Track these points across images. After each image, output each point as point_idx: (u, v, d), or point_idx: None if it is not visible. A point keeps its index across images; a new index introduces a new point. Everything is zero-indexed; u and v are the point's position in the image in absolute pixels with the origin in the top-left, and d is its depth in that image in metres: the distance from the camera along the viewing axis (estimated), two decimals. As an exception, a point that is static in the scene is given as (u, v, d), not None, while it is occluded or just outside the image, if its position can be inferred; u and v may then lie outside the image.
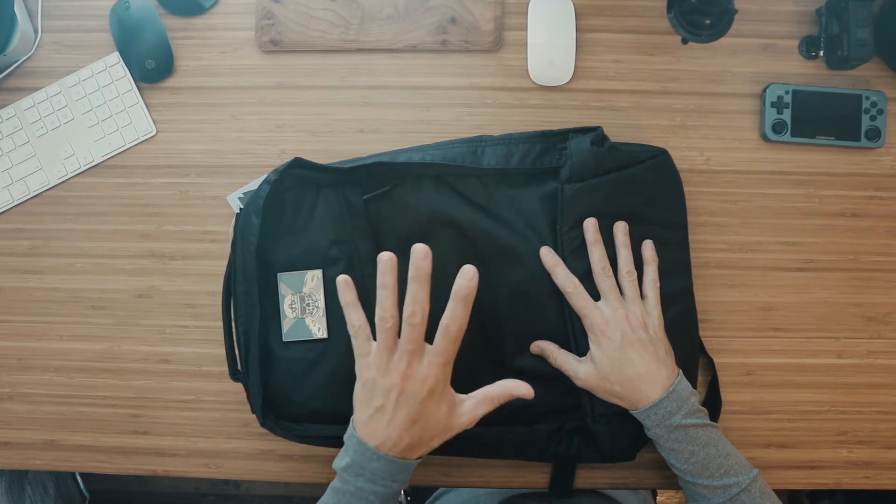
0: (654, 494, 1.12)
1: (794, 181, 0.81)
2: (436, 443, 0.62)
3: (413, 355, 0.59)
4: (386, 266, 0.58)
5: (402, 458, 0.60)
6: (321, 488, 0.67)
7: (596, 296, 0.71)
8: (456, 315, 0.58)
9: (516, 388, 0.62)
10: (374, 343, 0.60)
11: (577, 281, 0.71)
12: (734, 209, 0.81)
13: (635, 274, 0.71)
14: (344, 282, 0.61)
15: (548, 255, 0.72)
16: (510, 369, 0.73)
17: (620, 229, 0.72)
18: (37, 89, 0.83)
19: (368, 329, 0.61)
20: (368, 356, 0.60)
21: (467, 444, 0.74)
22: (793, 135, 0.80)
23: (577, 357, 0.71)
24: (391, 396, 0.59)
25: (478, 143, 0.74)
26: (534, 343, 0.73)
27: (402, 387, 0.59)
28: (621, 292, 0.71)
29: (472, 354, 0.72)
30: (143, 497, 1.65)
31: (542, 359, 0.73)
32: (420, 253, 0.57)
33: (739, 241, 0.81)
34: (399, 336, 0.59)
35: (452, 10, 0.81)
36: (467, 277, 0.57)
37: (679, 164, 0.77)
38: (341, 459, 0.62)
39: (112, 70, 0.83)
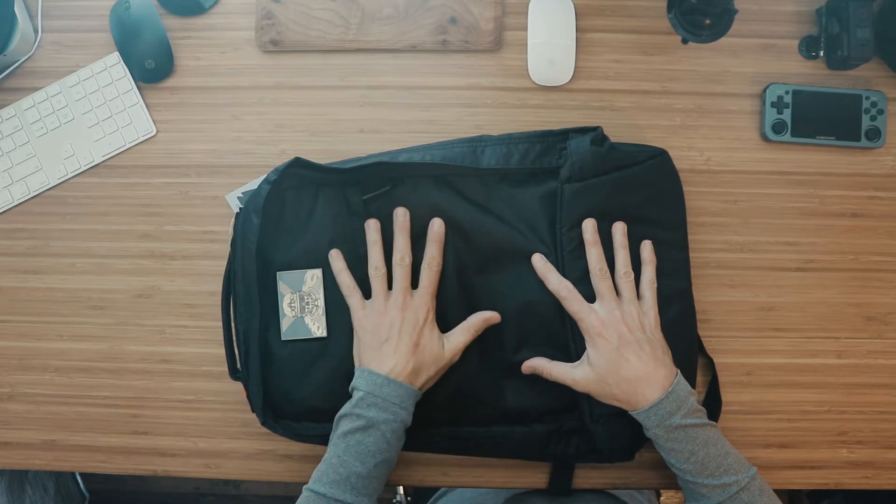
0: (658, 494, 1.12)
1: (794, 181, 0.81)
2: (433, 371, 0.69)
3: (406, 292, 0.70)
4: (372, 227, 0.71)
5: (409, 384, 0.67)
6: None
7: (594, 296, 0.71)
8: (434, 255, 0.71)
9: (488, 315, 0.72)
10: (369, 300, 0.71)
11: (570, 285, 0.70)
12: (734, 209, 0.81)
13: (632, 275, 0.71)
14: (335, 252, 0.71)
15: (539, 262, 0.72)
16: (508, 370, 0.73)
17: (619, 230, 0.72)
18: (37, 89, 0.83)
19: (360, 292, 0.71)
20: (365, 308, 0.70)
21: (466, 444, 0.74)
22: (793, 135, 0.80)
23: (572, 363, 0.71)
24: (394, 328, 0.68)
25: (478, 143, 0.74)
26: (524, 364, 0.73)
27: (403, 317, 0.69)
28: (618, 293, 0.71)
29: (469, 355, 0.72)
30: (143, 497, 1.65)
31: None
32: (399, 211, 0.71)
33: (739, 241, 0.81)
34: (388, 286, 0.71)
35: (452, 10, 0.81)
36: (437, 224, 0.71)
37: (679, 164, 0.77)
38: (351, 401, 0.67)
39: (112, 70, 0.83)
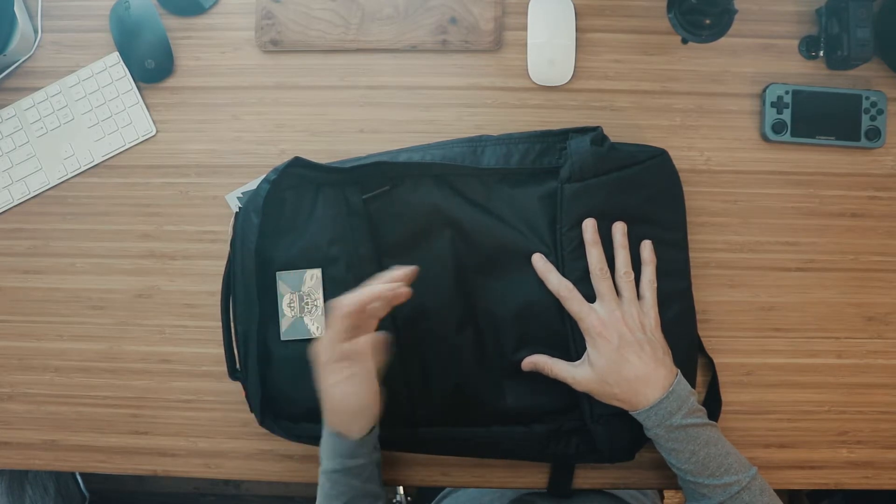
0: (662, 495, 1.12)
1: (794, 181, 0.81)
2: (343, 415, 0.65)
3: None
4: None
5: (337, 431, 0.66)
6: (321, 488, 0.67)
7: (594, 296, 0.71)
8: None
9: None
10: None
11: (570, 285, 0.70)
12: (734, 209, 0.81)
13: (633, 275, 0.71)
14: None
15: (539, 262, 0.72)
16: (508, 370, 0.73)
17: (619, 230, 0.72)
18: (37, 89, 0.83)
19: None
20: None
21: (466, 444, 0.74)
22: (793, 135, 0.80)
23: (573, 362, 0.71)
24: None
25: (478, 143, 0.74)
26: (525, 360, 0.73)
27: None
28: (619, 293, 0.71)
29: (467, 357, 0.73)
30: (143, 497, 1.65)
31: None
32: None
33: (739, 241, 0.81)
34: None
35: (452, 10, 0.81)
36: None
37: (679, 164, 0.77)
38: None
39: (112, 70, 0.83)
